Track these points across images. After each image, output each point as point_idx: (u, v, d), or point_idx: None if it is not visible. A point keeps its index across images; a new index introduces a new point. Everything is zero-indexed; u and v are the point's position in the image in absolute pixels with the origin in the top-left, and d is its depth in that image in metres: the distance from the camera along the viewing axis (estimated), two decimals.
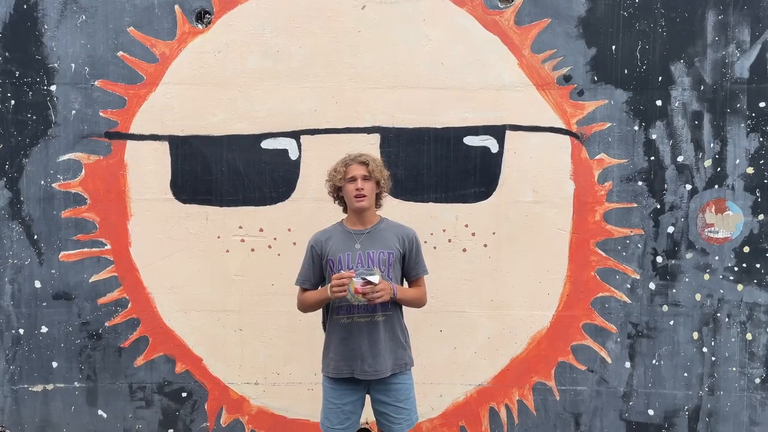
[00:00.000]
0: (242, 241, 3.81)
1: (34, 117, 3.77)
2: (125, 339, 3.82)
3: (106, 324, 3.81)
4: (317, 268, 2.98)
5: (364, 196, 2.90)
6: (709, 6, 3.75)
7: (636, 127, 3.77)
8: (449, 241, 3.80)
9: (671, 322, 3.81)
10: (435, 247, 3.78)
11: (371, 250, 2.91)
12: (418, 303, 3.03)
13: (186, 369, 3.84)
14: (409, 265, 3.00)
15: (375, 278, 2.74)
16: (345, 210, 3.04)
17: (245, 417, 3.85)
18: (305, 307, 3.00)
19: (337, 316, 2.93)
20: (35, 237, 3.79)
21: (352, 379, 2.92)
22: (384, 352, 2.89)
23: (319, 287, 2.98)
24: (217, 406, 3.85)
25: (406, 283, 3.04)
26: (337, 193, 3.01)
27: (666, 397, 3.83)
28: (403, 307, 3.02)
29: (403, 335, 2.99)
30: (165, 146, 3.78)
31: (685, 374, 3.82)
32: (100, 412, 3.84)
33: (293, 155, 3.80)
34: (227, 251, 3.81)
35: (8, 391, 3.83)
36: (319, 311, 3.04)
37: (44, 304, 3.80)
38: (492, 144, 3.78)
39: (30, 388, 3.84)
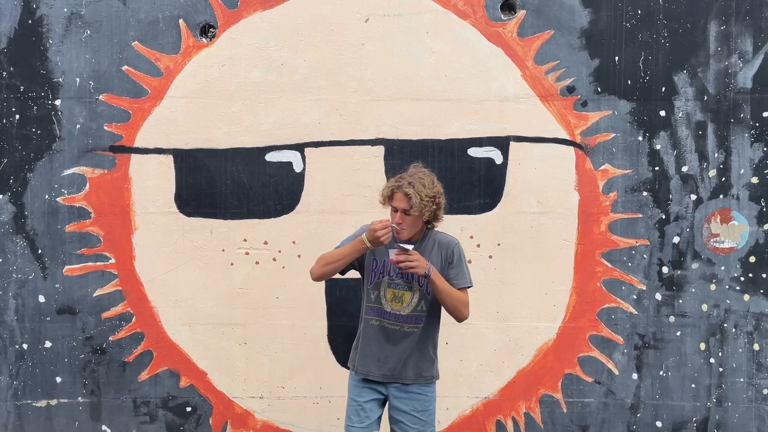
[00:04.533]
0: (247, 253, 3.80)
1: (39, 131, 3.77)
2: (129, 353, 3.80)
3: (110, 338, 3.80)
4: (359, 254, 2.83)
5: (403, 229, 2.78)
6: (712, 17, 3.76)
7: (640, 138, 3.78)
8: None
9: (678, 333, 3.80)
10: None
11: None
12: (457, 305, 2.84)
13: (190, 383, 3.82)
14: (449, 275, 2.86)
15: (410, 247, 2.69)
16: None
17: (250, 431, 3.82)
18: (326, 262, 2.84)
19: (367, 316, 2.89)
20: (39, 251, 3.78)
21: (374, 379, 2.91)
22: (408, 362, 2.86)
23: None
24: (222, 420, 3.83)
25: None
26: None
27: (674, 409, 3.81)
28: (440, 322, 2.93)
29: (434, 350, 2.94)
30: (169, 160, 3.78)
31: (693, 385, 3.80)
32: (104, 427, 3.82)
33: (297, 168, 3.80)
34: (232, 264, 3.80)
35: (12, 406, 3.81)
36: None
37: (48, 318, 3.79)
38: (496, 155, 3.78)
39: (34, 404, 3.81)
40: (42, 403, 3.82)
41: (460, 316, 2.89)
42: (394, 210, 2.79)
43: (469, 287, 2.91)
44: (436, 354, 2.95)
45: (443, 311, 2.91)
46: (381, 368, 2.86)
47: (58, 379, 3.80)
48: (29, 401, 3.81)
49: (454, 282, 2.87)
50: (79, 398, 3.82)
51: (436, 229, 2.94)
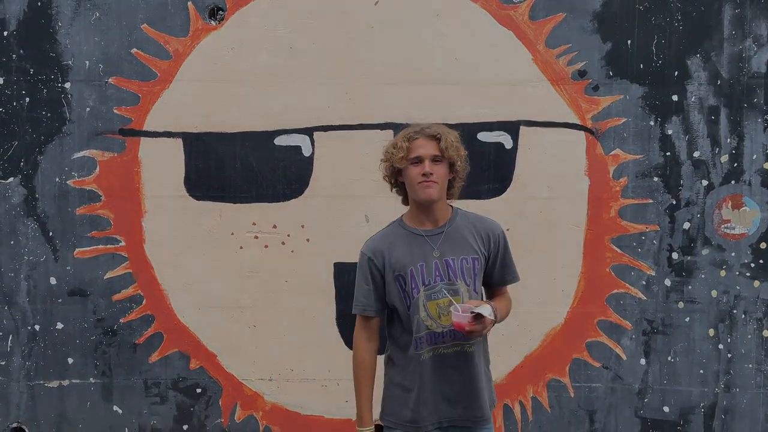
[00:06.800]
0: (256, 237, 3.81)
1: (49, 114, 3.78)
2: (140, 335, 3.83)
3: (121, 320, 3.83)
4: (380, 288, 2.27)
5: (434, 182, 2.18)
6: (726, 0, 3.70)
7: (652, 123, 3.74)
8: None
9: (687, 319, 3.79)
10: None
11: (451, 257, 2.24)
12: (506, 316, 2.41)
13: (200, 365, 3.85)
14: (494, 271, 2.34)
15: (485, 309, 2.11)
16: (404, 201, 2.36)
17: (259, 413, 3.86)
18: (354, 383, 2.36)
19: (416, 352, 2.24)
20: (50, 234, 3.80)
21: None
22: (482, 391, 2.26)
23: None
24: (232, 402, 3.86)
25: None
26: (396, 178, 2.31)
27: (681, 394, 3.81)
28: None
29: (489, 363, 2.39)
30: (179, 143, 3.79)
31: (701, 371, 3.80)
32: (115, 407, 3.86)
33: (306, 152, 3.79)
34: (241, 248, 3.81)
35: (24, 387, 3.86)
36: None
37: (60, 300, 3.82)
38: (506, 140, 3.76)
39: (46, 384, 3.86)
40: (54, 384, 3.86)
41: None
42: (417, 161, 2.21)
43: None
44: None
45: None
46: (454, 410, 2.24)
47: (70, 360, 3.84)
48: (41, 382, 3.86)
49: (500, 278, 2.38)
50: (91, 379, 3.86)
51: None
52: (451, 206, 2.34)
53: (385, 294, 2.28)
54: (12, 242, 3.81)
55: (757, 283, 3.77)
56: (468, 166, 2.38)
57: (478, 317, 2.10)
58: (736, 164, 3.75)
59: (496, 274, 2.37)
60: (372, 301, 2.29)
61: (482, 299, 2.35)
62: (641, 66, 3.73)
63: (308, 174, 3.79)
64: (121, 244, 3.81)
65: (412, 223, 2.31)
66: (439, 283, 2.22)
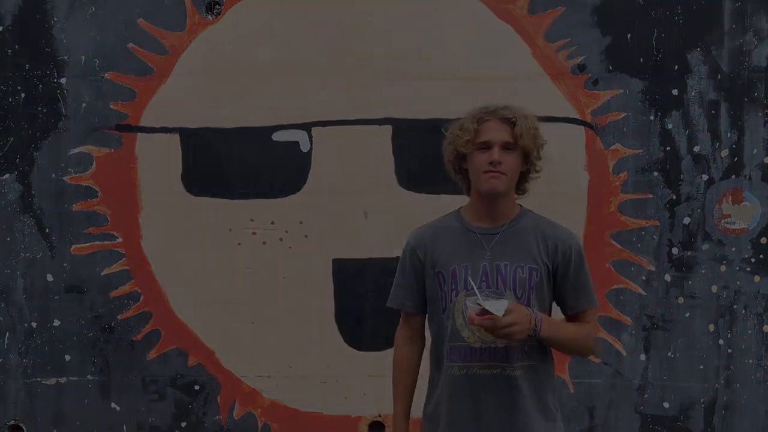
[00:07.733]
0: (254, 233, 3.79)
1: (45, 110, 3.75)
2: (138, 332, 3.81)
3: (119, 317, 3.81)
4: (419, 282, 2.00)
5: (501, 174, 1.89)
6: None
7: (652, 117, 3.73)
8: None
9: (687, 314, 3.78)
10: None
11: (503, 262, 1.93)
12: (580, 349, 2.02)
13: (198, 362, 3.83)
14: (564, 289, 1.96)
15: (496, 304, 1.76)
16: (467, 191, 2.07)
17: (258, 410, 3.85)
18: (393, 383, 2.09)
19: (449, 363, 1.95)
20: (47, 230, 3.78)
21: None
22: (524, 427, 1.90)
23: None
24: (230, 399, 3.85)
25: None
26: (459, 164, 2.01)
27: (681, 390, 3.80)
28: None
29: (554, 397, 2.01)
30: (175, 139, 3.76)
31: (701, 367, 3.79)
32: (113, 405, 3.84)
33: (304, 147, 3.77)
34: (238, 244, 3.79)
35: (21, 384, 3.84)
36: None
37: (56, 297, 3.80)
38: None
39: (43, 382, 3.84)
40: (51, 381, 3.84)
41: (585, 356, 2.13)
42: (484, 147, 1.91)
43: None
44: (557, 405, 2.04)
45: None
46: None
47: (67, 358, 3.82)
48: (39, 379, 3.84)
49: (573, 302, 1.98)
50: (88, 376, 3.84)
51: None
52: (520, 205, 2.06)
53: (424, 289, 2.02)
54: (8, 239, 3.78)
55: (757, 278, 3.76)
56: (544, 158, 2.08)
57: (485, 312, 1.77)
58: (736, 159, 3.73)
59: (567, 296, 1.98)
60: (412, 295, 2.04)
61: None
62: (641, 60, 3.71)
63: (306, 170, 3.77)
64: (118, 240, 3.79)
65: (468, 216, 2.03)
66: (485, 289, 1.89)
